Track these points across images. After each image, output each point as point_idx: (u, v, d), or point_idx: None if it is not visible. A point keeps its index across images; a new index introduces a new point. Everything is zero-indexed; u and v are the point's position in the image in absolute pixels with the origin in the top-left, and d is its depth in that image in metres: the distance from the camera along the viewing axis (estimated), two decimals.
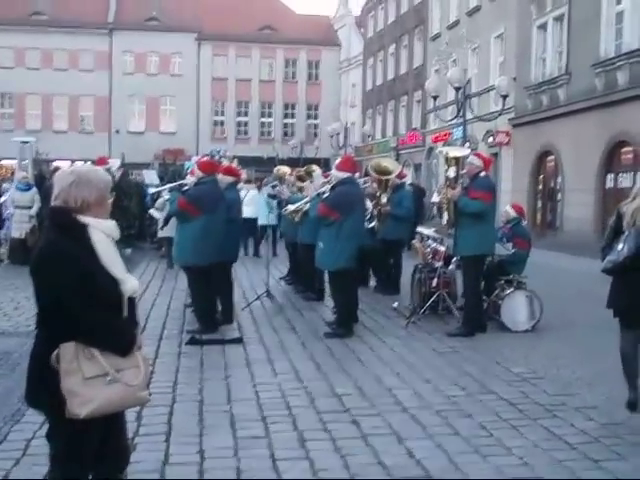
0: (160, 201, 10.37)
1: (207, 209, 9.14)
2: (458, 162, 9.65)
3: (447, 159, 9.72)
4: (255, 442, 5.41)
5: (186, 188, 9.63)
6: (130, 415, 5.89)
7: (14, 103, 52.82)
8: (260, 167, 42.52)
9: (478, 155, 9.85)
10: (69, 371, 3.16)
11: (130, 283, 3.37)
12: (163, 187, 10.64)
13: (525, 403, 6.48)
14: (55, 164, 37.24)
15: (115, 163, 19.60)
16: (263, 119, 56.20)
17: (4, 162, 35.38)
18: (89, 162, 15.64)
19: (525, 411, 6.24)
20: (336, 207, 9.13)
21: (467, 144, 29.69)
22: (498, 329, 9.67)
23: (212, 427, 5.74)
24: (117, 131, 52.84)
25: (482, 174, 9.43)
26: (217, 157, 25.66)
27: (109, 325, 3.27)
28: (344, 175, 9.40)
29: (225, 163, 24.36)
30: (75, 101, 52.90)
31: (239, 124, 55.99)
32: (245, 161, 33.76)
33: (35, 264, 3.21)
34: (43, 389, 3.24)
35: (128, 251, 17.80)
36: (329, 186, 9.70)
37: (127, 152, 42.11)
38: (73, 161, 30.79)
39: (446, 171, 9.71)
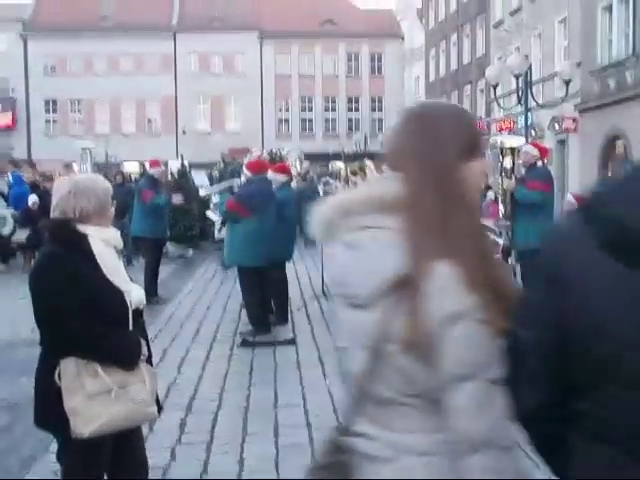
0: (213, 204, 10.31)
1: (257, 209, 9.01)
2: (513, 152, 9.33)
3: (502, 149, 9.39)
4: (297, 450, 5.25)
5: (236, 189, 9.53)
6: (173, 422, 5.86)
7: (83, 109, 53.85)
8: (326, 163, 42.41)
9: (534, 144, 9.53)
10: (71, 389, 3.04)
11: (135, 294, 3.23)
12: (212, 189, 10.58)
13: None
14: (123, 168, 38.07)
15: (174, 164, 19.76)
16: (327, 114, 56.05)
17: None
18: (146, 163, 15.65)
19: None
20: None
21: (533, 132, 29.12)
22: None
23: (255, 435, 5.61)
24: (184, 132, 53.36)
25: (539, 163, 9.10)
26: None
27: (111, 338, 3.13)
28: None
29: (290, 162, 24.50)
30: (142, 104, 53.63)
31: (303, 120, 55.94)
32: (311, 157, 33.71)
33: (33, 277, 3.11)
34: (49, 408, 3.12)
35: (190, 252, 17.91)
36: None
37: (193, 152, 43.09)
38: (141, 163, 31.32)
39: (501, 161, 9.38)
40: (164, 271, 14.19)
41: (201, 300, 11.97)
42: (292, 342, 8.71)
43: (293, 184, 10.46)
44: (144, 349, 3.29)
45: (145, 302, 3.36)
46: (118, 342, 3.17)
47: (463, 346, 1.61)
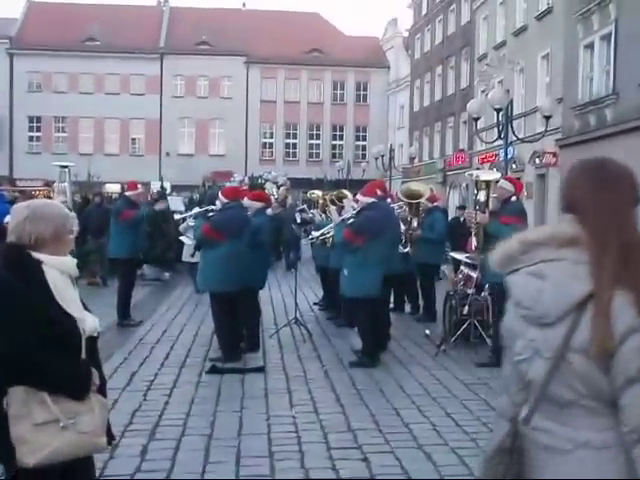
0: (183, 226, 10.34)
1: (231, 235, 9.02)
2: (488, 186, 9.37)
3: (477, 183, 9.43)
4: None
5: (211, 214, 9.53)
6: (135, 449, 5.81)
7: (67, 127, 53.74)
8: (308, 189, 42.41)
9: (509, 179, 9.59)
10: (18, 417, 2.99)
11: (89, 322, 3.20)
12: (188, 213, 10.60)
13: None
14: (105, 188, 37.94)
15: (156, 186, 19.75)
16: (311, 141, 56.26)
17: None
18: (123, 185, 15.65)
19: None
20: (360, 232, 8.93)
21: (514, 165, 29.32)
22: None
23: (217, 464, 5.56)
24: (167, 154, 53.33)
25: (513, 198, 9.15)
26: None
27: (59, 367, 3.08)
28: (369, 200, 9.22)
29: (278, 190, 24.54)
30: (126, 124, 53.60)
31: (287, 146, 56.12)
32: (293, 183, 33.71)
33: None
34: None
35: (166, 275, 17.85)
36: (354, 212, 9.49)
37: (177, 174, 43.10)
38: (122, 184, 31.26)
39: (476, 195, 9.42)
40: (139, 293, 14.15)
41: (173, 324, 11.92)
42: (261, 370, 8.67)
43: (269, 211, 10.45)
44: (95, 379, 3.25)
45: (99, 330, 3.33)
46: (67, 371, 3.11)
47: (638, 353, 2.01)
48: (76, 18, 52.36)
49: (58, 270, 3.15)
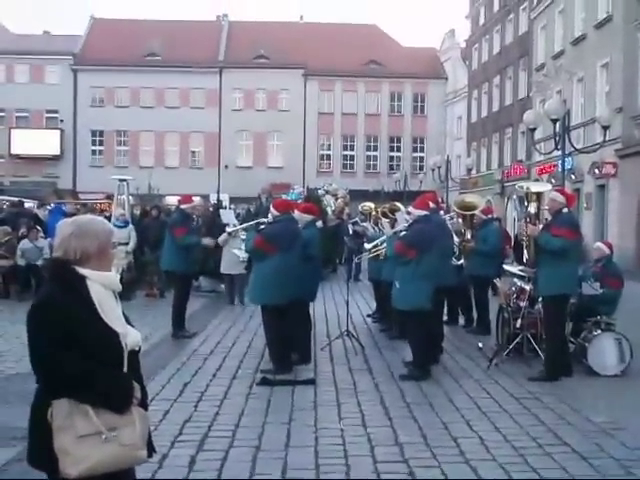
0: (221, 238, 10.45)
1: (282, 247, 9.09)
2: (539, 198, 9.29)
3: (528, 195, 9.35)
4: None
5: (262, 227, 9.62)
6: (183, 459, 5.90)
7: (129, 141, 54.78)
8: (366, 201, 42.34)
9: (560, 191, 9.50)
10: (62, 428, 3.07)
11: (131, 336, 3.29)
12: (240, 226, 10.71)
13: (598, 457, 6.06)
14: (165, 201, 38.49)
15: (213, 199, 19.96)
16: (369, 152, 56.29)
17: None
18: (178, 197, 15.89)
19: (597, 466, 5.83)
20: (412, 245, 8.93)
21: (572, 176, 28.92)
22: (585, 373, 9.20)
23: (262, 476, 5.60)
24: (226, 166, 53.91)
25: (565, 210, 9.05)
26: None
27: (102, 380, 3.16)
28: (422, 213, 9.21)
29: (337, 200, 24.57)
30: (186, 137, 54.38)
31: (345, 158, 56.24)
32: (351, 194, 33.81)
33: (29, 316, 3.17)
34: (41, 447, 3.16)
35: (221, 286, 18.01)
36: (407, 224, 9.49)
37: (235, 186, 43.52)
38: (179, 196, 31.66)
39: (527, 207, 9.34)
40: (194, 305, 14.33)
41: (227, 335, 12.03)
42: (312, 382, 8.70)
43: (319, 224, 10.51)
44: (137, 392, 3.33)
45: (141, 344, 3.41)
46: (111, 384, 3.19)
47: None
48: (137, 34, 53.52)
49: (102, 285, 3.25)
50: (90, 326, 3.15)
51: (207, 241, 12.55)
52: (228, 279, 16.12)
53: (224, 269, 15.53)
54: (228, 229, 12.43)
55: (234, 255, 14.57)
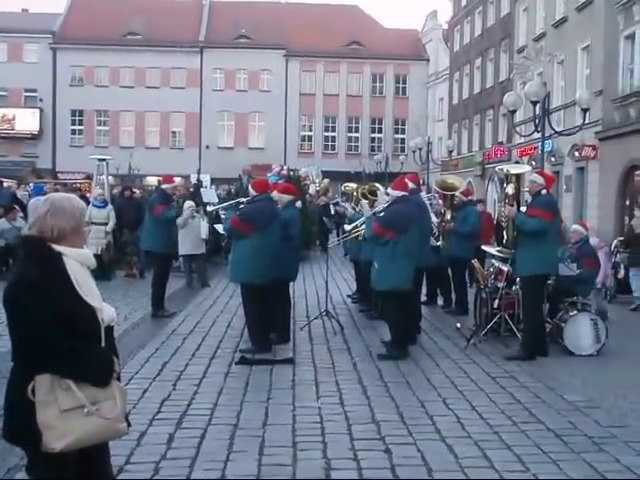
0: (181, 219, 10.54)
1: (259, 227, 9.09)
2: (519, 180, 9.34)
3: (508, 177, 9.40)
4: (279, 470, 5.29)
5: (241, 207, 9.62)
6: (161, 437, 5.92)
7: (109, 121, 54.41)
8: (347, 182, 42.41)
9: (540, 172, 9.55)
10: (45, 403, 3.10)
11: (107, 312, 3.31)
12: (220, 205, 10.71)
13: (572, 435, 6.16)
14: (146, 181, 38.31)
15: (194, 179, 19.92)
16: (350, 134, 56.24)
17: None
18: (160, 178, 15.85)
19: (570, 444, 5.92)
20: (389, 226, 8.96)
21: (552, 158, 29.06)
22: (560, 353, 9.31)
23: (240, 453, 5.65)
24: (207, 147, 53.75)
25: (543, 192, 9.11)
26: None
27: (84, 355, 3.19)
28: (400, 194, 9.24)
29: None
30: (166, 118, 54.07)
31: (326, 139, 56.17)
32: (332, 176, 33.70)
33: (6, 295, 3.17)
34: (20, 423, 3.17)
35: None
36: (385, 205, 9.51)
37: (216, 167, 43.37)
38: (160, 176, 31.56)
39: (505, 188, 9.40)
40: (175, 285, 14.33)
41: (206, 315, 12.05)
42: (290, 362, 8.74)
43: (298, 204, 10.51)
44: (116, 366, 3.35)
45: (116, 319, 3.44)
46: (93, 359, 3.22)
47: None
48: (118, 12, 52.97)
49: (78, 261, 3.26)
50: (69, 302, 3.16)
51: (180, 220, 12.56)
52: (187, 260, 15.92)
53: (183, 250, 15.17)
54: (209, 208, 12.41)
55: (195, 236, 14.59)
